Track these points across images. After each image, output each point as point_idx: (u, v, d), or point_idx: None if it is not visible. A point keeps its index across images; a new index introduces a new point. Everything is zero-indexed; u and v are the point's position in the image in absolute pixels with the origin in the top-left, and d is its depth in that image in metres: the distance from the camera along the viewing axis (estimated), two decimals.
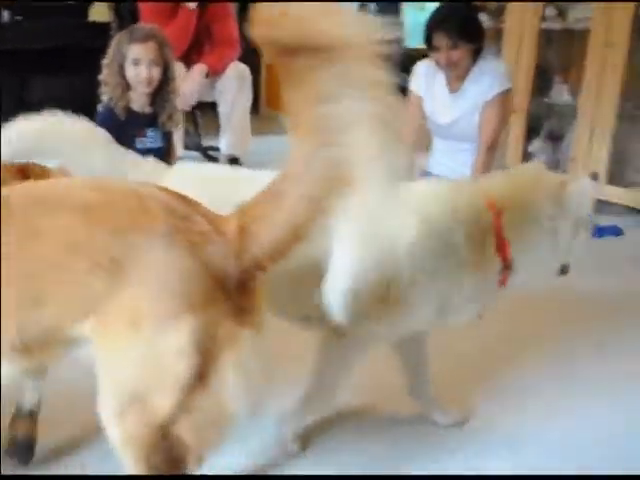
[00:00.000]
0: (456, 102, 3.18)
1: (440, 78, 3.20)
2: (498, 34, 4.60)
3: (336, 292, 1.20)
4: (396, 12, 8.32)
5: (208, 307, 1.17)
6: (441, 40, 3.01)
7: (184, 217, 1.23)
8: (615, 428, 2.05)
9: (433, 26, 3.04)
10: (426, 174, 3.46)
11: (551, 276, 1.88)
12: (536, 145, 4.54)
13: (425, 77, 3.23)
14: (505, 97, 3.12)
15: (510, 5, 4.40)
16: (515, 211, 1.74)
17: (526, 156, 4.50)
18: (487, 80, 3.09)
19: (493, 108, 3.09)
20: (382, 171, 1.13)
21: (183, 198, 1.29)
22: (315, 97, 1.11)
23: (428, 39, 3.06)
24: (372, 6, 7.89)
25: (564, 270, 1.87)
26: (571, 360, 2.42)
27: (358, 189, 1.13)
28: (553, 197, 1.76)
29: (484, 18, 4.68)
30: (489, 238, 1.72)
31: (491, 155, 3.12)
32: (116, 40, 2.91)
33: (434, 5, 3.49)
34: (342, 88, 1.09)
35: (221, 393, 1.22)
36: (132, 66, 2.85)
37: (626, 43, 3.80)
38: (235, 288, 1.20)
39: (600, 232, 3.71)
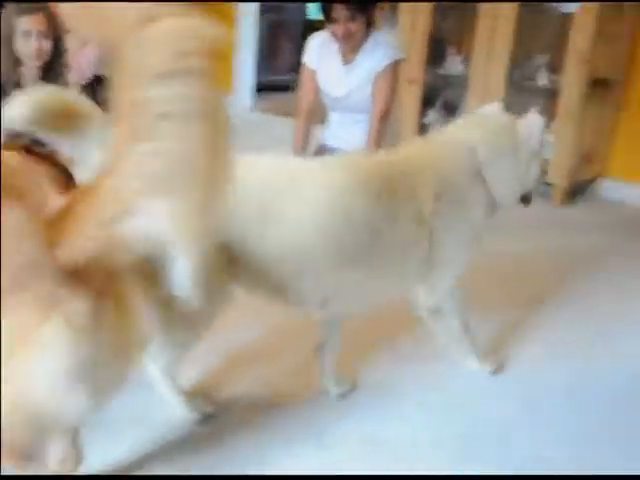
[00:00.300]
0: (350, 74, 3.20)
1: (334, 51, 3.21)
2: (394, 5, 4.65)
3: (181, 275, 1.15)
4: None
5: (14, 292, 1.11)
6: (340, 12, 3.01)
7: (15, 193, 1.18)
8: (514, 389, 2.17)
9: None
10: (322, 147, 3.49)
11: (515, 204, 2.17)
12: (432, 115, 4.65)
13: (318, 50, 3.24)
14: (396, 67, 3.16)
15: None
16: (487, 149, 2.03)
17: (422, 126, 4.60)
18: (380, 52, 3.12)
19: (385, 78, 3.13)
20: (205, 164, 1.05)
21: (28, 172, 1.26)
22: (129, 80, 1.03)
23: (326, 11, 3.06)
24: None
25: (527, 199, 2.19)
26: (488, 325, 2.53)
27: (178, 184, 1.05)
28: (511, 132, 2.08)
29: None
30: (478, 177, 2.02)
31: (384, 125, 3.17)
32: (4, 13, 2.81)
33: None
34: (154, 71, 1.01)
35: (29, 387, 1.14)
36: (22, 39, 2.75)
37: (514, 13, 3.91)
38: (50, 276, 1.12)
39: None
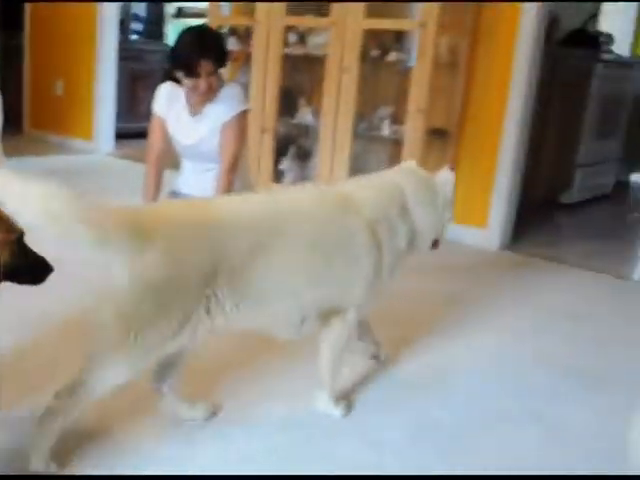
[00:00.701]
0: (198, 124, 3.27)
1: (181, 101, 3.27)
2: (248, 57, 4.80)
3: None
4: (160, 36, 8.42)
5: None
6: (205, 67, 3.07)
7: None
8: (361, 427, 2.23)
9: (198, 54, 3.07)
10: (174, 194, 3.53)
11: (427, 249, 2.43)
12: (286, 164, 4.79)
13: (167, 99, 3.29)
14: (242, 118, 3.25)
15: (256, 30, 4.61)
16: (413, 190, 2.31)
17: (277, 174, 4.74)
18: (226, 103, 3.21)
19: (231, 129, 3.22)
20: None
21: None
22: None
23: (190, 66, 3.07)
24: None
25: (437, 243, 2.46)
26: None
27: None
28: (429, 182, 2.39)
29: (234, 42, 4.89)
30: (406, 213, 2.28)
31: (232, 174, 3.25)
32: None
33: None
34: None
35: None
36: None
37: (357, 68, 4.14)
38: None
39: None
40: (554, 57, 4.91)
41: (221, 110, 3.21)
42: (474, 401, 2.44)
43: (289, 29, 4.56)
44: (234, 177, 3.28)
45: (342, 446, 2.11)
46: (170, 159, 3.46)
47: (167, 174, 3.43)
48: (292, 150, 4.83)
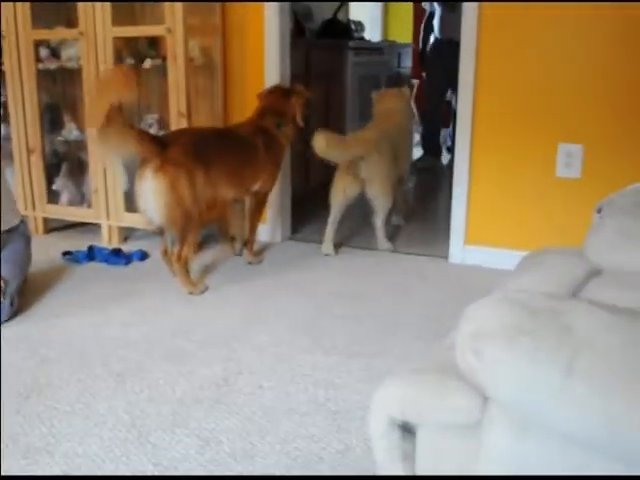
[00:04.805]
0: None
1: None
2: (3, 75, 4.58)
3: None
4: None
5: None
6: None
7: None
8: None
9: None
10: None
11: None
12: (59, 183, 4.62)
13: None
14: None
15: (7, 47, 4.40)
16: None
17: (51, 194, 4.58)
18: None
19: None
20: None
21: None
22: None
23: None
24: None
25: None
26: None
27: None
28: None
29: None
30: None
31: None
32: None
33: None
34: None
35: None
36: None
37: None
38: None
39: (128, 259, 3.97)
40: (308, 49, 5.12)
41: None
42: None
43: (40, 43, 4.40)
44: None
45: None
46: None
47: None
48: (64, 168, 4.67)
